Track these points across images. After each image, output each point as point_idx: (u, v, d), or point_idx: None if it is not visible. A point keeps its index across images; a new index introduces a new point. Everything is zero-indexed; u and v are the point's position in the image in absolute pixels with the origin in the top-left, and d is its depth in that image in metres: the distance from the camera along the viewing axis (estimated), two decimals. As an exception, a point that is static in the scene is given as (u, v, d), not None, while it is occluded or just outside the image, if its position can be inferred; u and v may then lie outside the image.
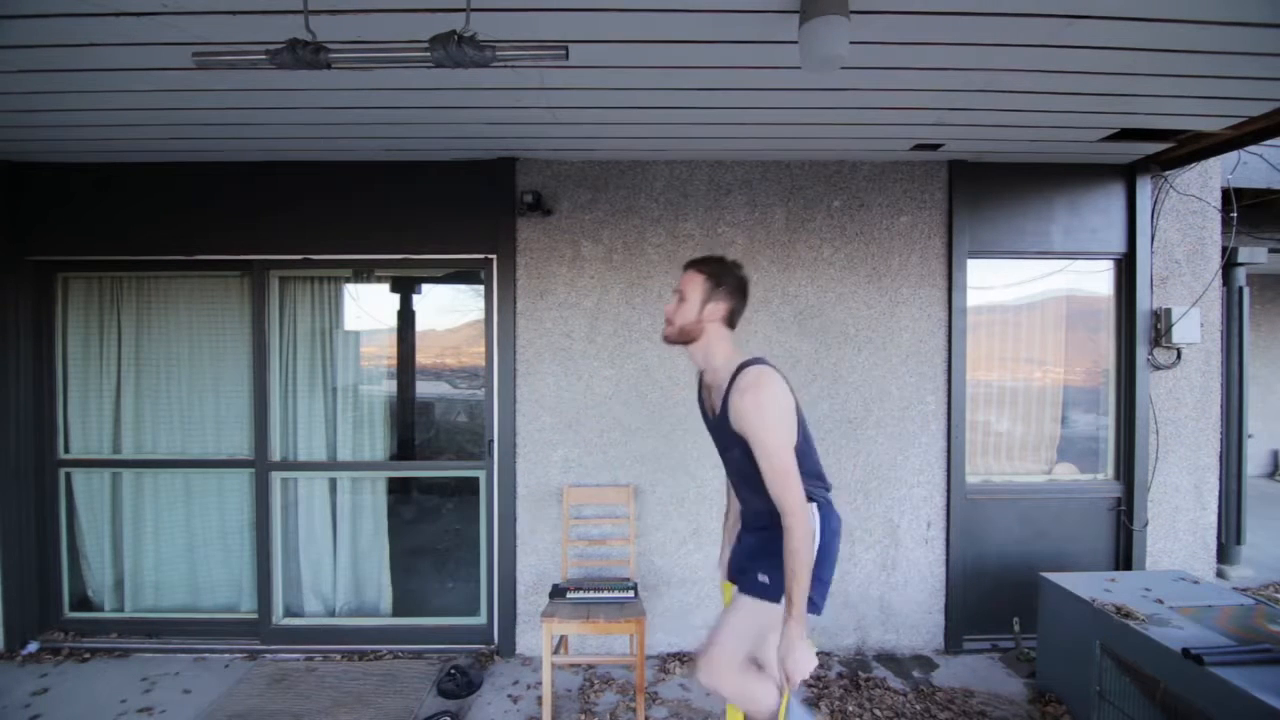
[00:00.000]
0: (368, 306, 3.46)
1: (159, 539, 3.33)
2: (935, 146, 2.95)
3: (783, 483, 1.61)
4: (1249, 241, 4.07)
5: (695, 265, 1.80)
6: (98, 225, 3.12)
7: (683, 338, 1.79)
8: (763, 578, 1.75)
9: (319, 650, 3.15)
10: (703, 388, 1.92)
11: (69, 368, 3.31)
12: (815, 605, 1.72)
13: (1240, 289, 4.22)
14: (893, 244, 3.19)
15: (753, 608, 1.77)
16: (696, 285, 1.76)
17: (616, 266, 3.15)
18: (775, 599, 1.71)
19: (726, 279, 1.77)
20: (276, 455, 3.23)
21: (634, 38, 1.93)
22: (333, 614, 3.34)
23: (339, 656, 3.12)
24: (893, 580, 3.20)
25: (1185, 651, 2.01)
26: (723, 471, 3.13)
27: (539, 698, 2.67)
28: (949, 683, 2.91)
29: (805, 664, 1.61)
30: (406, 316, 3.84)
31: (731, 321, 1.80)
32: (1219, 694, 1.89)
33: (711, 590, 3.17)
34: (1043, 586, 2.79)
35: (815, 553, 1.70)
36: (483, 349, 3.20)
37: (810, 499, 1.71)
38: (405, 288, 3.77)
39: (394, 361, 3.59)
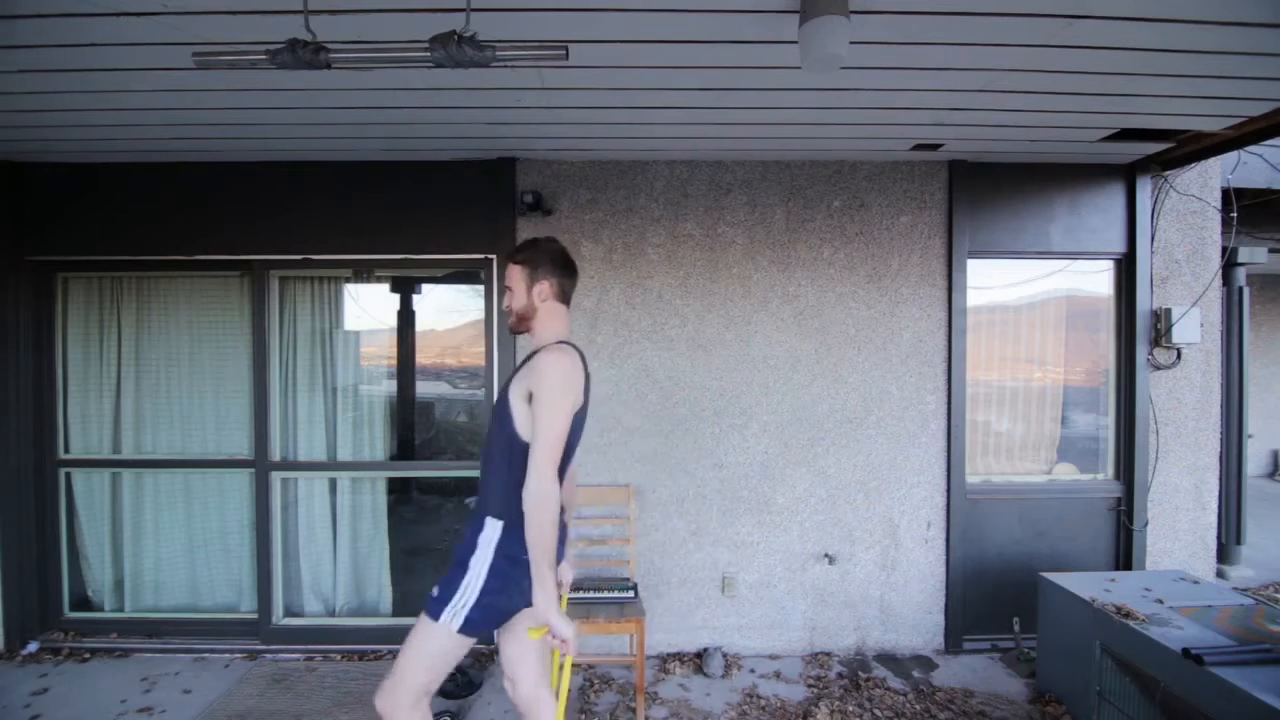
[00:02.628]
0: (368, 306, 3.46)
1: (159, 539, 3.33)
2: (935, 146, 2.95)
3: (544, 442, 1.58)
4: (1249, 241, 4.07)
5: (510, 257, 1.82)
6: (97, 225, 3.12)
7: (522, 324, 1.81)
8: (434, 590, 1.70)
9: (319, 650, 3.15)
10: None
11: (69, 368, 3.30)
12: (473, 625, 1.65)
13: (1240, 289, 4.22)
14: (893, 244, 3.19)
15: (422, 626, 1.69)
16: (516, 275, 1.79)
17: (616, 266, 3.15)
18: (434, 615, 1.66)
19: (541, 258, 1.79)
20: (276, 455, 3.23)
21: (634, 38, 1.93)
22: (333, 614, 3.34)
23: (339, 656, 3.12)
24: (893, 580, 3.20)
25: (1185, 651, 2.01)
26: (722, 471, 3.17)
27: None
28: (949, 683, 2.91)
29: (562, 629, 1.56)
30: (406, 316, 3.83)
31: (563, 296, 1.82)
32: (1219, 694, 1.89)
33: (712, 591, 3.17)
34: (1042, 586, 2.79)
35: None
36: (483, 349, 3.20)
37: (501, 516, 1.68)
38: (405, 288, 3.77)
39: (394, 361, 3.58)
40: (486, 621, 1.68)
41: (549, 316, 1.80)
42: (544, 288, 1.78)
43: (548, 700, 1.85)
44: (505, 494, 1.69)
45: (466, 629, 1.66)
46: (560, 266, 1.81)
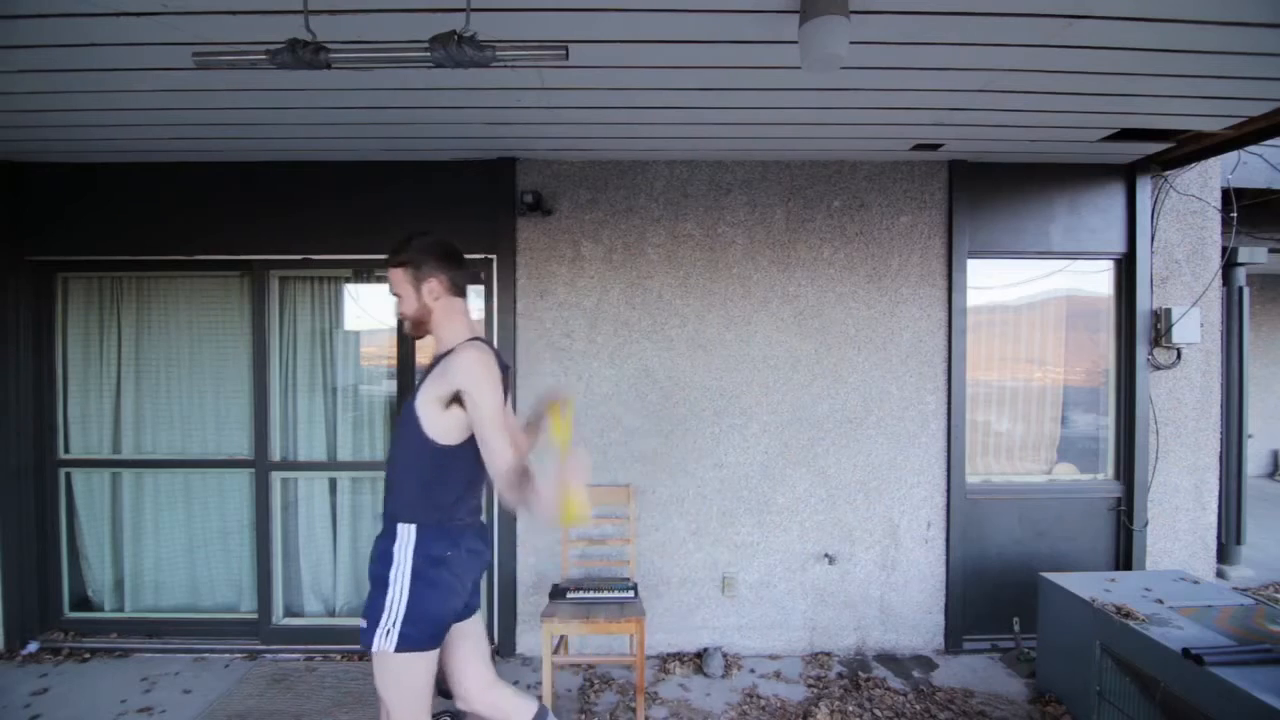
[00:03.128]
0: (368, 306, 3.46)
1: (159, 539, 3.33)
2: (935, 146, 2.95)
3: (491, 425, 1.56)
4: (1249, 241, 4.07)
5: (389, 263, 1.72)
6: (97, 225, 3.12)
7: (420, 329, 1.73)
8: (361, 621, 1.63)
9: (319, 650, 3.15)
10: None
11: (69, 368, 3.30)
12: (411, 640, 1.58)
13: (1240, 289, 4.22)
14: (893, 244, 3.19)
15: (375, 661, 1.63)
16: (399, 278, 1.70)
17: (616, 266, 3.15)
18: (367, 645, 1.60)
19: (421, 256, 1.69)
20: (276, 455, 3.23)
21: (634, 38, 1.93)
22: (333, 614, 3.34)
23: (339, 656, 3.12)
24: (893, 580, 3.20)
25: (1185, 651, 2.01)
26: (722, 471, 3.16)
27: (539, 697, 2.67)
28: (949, 683, 2.91)
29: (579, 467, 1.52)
30: (407, 316, 3.84)
31: (455, 289, 1.73)
32: (1219, 694, 1.89)
33: (712, 591, 3.17)
34: (1042, 586, 2.79)
35: (409, 577, 1.60)
36: (483, 349, 3.19)
37: (412, 520, 1.63)
38: (405, 288, 3.77)
39: (394, 361, 3.57)
40: (425, 635, 1.61)
41: (447, 314, 1.72)
42: (433, 285, 1.69)
43: (505, 692, 1.81)
44: (415, 499, 1.65)
45: (405, 645, 1.58)
46: (443, 258, 1.71)
